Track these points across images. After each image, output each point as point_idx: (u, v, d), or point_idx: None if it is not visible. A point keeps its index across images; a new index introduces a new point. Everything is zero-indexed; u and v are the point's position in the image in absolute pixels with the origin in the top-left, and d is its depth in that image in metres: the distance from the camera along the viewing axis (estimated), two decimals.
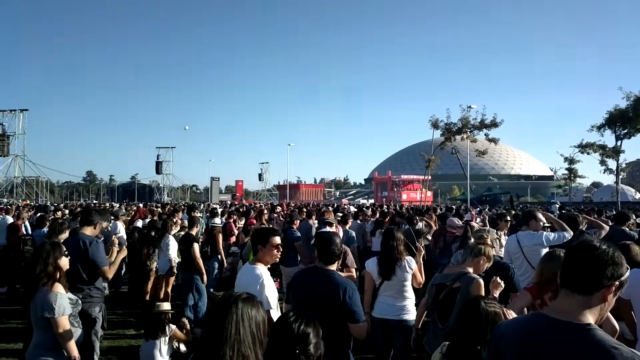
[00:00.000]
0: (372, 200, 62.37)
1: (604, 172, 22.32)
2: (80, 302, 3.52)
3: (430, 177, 40.80)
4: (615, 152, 21.07)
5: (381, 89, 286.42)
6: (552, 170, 63.53)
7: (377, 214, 12.36)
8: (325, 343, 1.93)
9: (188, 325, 5.10)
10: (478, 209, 20.29)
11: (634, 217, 10.00)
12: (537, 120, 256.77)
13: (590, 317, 1.52)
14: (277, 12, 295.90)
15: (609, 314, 2.98)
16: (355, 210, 14.53)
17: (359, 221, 10.75)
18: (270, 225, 8.82)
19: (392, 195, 65.02)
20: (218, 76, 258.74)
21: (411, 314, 4.21)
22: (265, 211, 11.84)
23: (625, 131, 20.62)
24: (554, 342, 1.51)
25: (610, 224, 7.19)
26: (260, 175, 73.38)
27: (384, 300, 4.26)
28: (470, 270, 3.60)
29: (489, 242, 4.31)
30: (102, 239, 6.00)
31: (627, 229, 6.66)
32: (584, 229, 6.57)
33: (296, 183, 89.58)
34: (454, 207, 21.72)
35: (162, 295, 7.17)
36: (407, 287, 4.30)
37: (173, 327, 4.75)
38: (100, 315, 4.46)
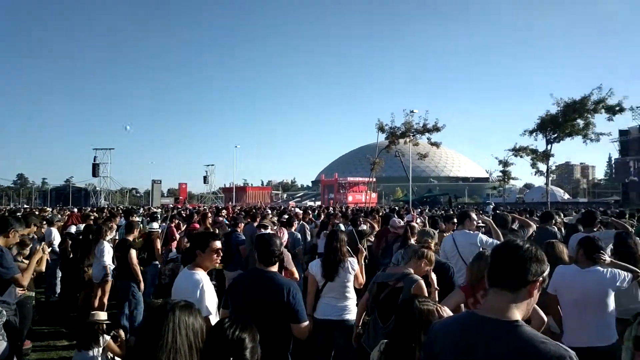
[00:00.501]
0: (319, 203, 62.78)
1: (535, 174, 23.95)
2: (4, 313, 3.28)
3: (375, 179, 41.67)
4: (546, 155, 22.63)
5: (328, 92, 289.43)
6: (487, 172, 66.98)
7: (322, 216, 12.46)
8: (264, 347, 1.91)
9: (123, 336, 4.89)
10: (419, 209, 20.97)
11: (560, 216, 10.76)
12: (475, 125, 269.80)
13: (517, 314, 1.59)
14: (218, 7, 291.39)
15: (537, 307, 3.19)
16: (301, 212, 14.57)
17: (305, 223, 10.79)
18: (217, 229, 8.64)
19: (339, 197, 65.70)
20: (160, 76, 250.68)
21: (352, 314, 4.27)
22: (210, 215, 11.58)
23: (555, 135, 22.13)
24: (485, 339, 1.57)
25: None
26: (205, 178, 71.56)
27: (326, 301, 4.29)
28: (412, 271, 3.71)
29: (432, 247, 4.46)
30: (30, 245, 5.64)
31: (551, 228, 7.12)
32: (515, 227, 6.98)
33: (243, 186, 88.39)
34: (396, 207, 22.32)
35: (96, 304, 6.83)
36: (349, 287, 4.37)
37: (107, 337, 4.53)
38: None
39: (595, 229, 6.10)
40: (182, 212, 17.49)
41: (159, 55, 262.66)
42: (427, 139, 26.34)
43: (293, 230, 8.69)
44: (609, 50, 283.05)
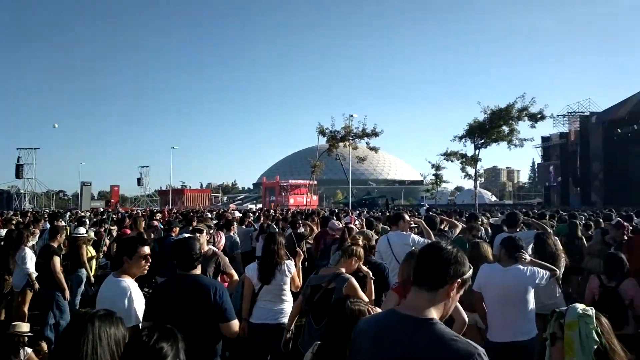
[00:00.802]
0: (260, 205, 62.17)
1: (464, 178, 25.32)
2: None
3: (316, 182, 41.87)
4: (474, 160, 24.03)
5: (270, 94, 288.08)
6: (422, 175, 69.74)
7: (262, 219, 12.36)
8: (191, 351, 1.87)
9: (46, 348, 4.58)
10: (357, 211, 21.41)
11: (487, 217, 11.43)
12: (412, 130, 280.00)
13: (434, 313, 1.65)
14: (151, 7, 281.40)
15: (460, 307, 3.36)
16: (241, 215, 14.37)
17: (244, 226, 10.66)
18: (151, 234, 8.30)
19: (280, 199, 65.48)
20: (90, 73, 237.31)
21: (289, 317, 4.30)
22: (143, 218, 11.11)
23: (483, 141, 23.54)
24: (400, 336, 1.63)
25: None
26: (139, 180, 68.34)
27: (262, 305, 4.26)
28: (344, 270, 3.78)
29: (360, 243, 4.58)
30: None
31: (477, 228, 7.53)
32: (446, 228, 7.31)
33: (180, 188, 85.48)
34: (336, 210, 22.66)
35: (18, 314, 6.36)
36: (286, 291, 4.37)
37: (29, 350, 4.22)
38: None
39: (517, 229, 6.50)
40: (114, 216, 16.65)
41: (90, 51, 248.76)
42: (366, 143, 27.07)
43: (231, 234, 8.56)
44: (532, 60, 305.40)
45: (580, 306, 2.35)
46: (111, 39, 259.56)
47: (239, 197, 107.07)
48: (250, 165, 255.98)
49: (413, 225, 6.71)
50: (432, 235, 5.86)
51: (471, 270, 1.74)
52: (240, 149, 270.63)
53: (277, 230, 8.93)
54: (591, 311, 2.29)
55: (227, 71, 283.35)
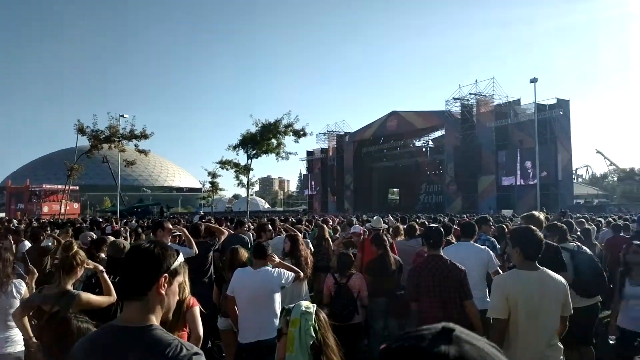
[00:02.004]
0: (2, 214, 51.02)
1: (238, 186, 26.15)
2: None
3: (77, 188, 37.03)
4: (247, 169, 25.11)
5: (22, 86, 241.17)
6: (200, 183, 69.06)
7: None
8: None
9: None
10: (124, 220, 19.82)
11: (248, 224, 12.03)
12: (193, 137, 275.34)
13: (152, 318, 1.59)
14: None
15: (199, 321, 3.39)
16: None
17: None
18: None
19: (31, 207, 55.17)
20: None
21: (16, 345, 3.67)
22: None
23: (255, 152, 24.82)
24: (115, 349, 1.55)
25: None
26: None
27: None
28: (70, 287, 3.45)
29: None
30: None
31: (243, 235, 7.85)
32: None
33: None
34: (100, 219, 20.38)
35: None
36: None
37: None
38: None
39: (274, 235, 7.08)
40: None
41: None
42: (135, 145, 25.28)
43: None
44: (299, 82, 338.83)
45: (304, 304, 2.62)
46: None
47: None
48: None
49: (177, 233, 6.57)
50: (194, 244, 5.83)
51: (178, 258, 1.67)
52: None
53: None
54: (312, 308, 2.57)
55: None
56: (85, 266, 3.58)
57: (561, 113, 36.52)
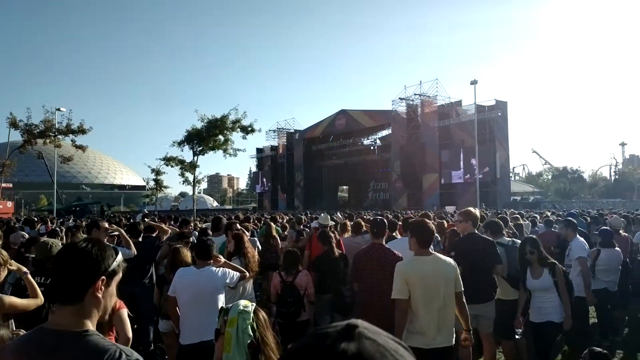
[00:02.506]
0: None
1: (184, 184, 25.31)
2: None
3: (11, 185, 34.74)
4: (192, 166, 24.37)
5: None
6: (145, 180, 66.52)
7: None
8: None
9: None
10: (61, 219, 18.75)
11: (195, 223, 11.76)
12: (135, 133, 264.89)
13: (88, 323, 1.51)
14: None
15: (126, 325, 3.27)
16: None
17: None
18: None
19: None
20: None
21: None
22: None
23: (201, 148, 24.16)
24: (46, 355, 1.45)
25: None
26: None
27: None
28: None
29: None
30: None
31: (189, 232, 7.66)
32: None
33: None
34: (35, 218, 19.19)
35: None
36: None
37: None
38: None
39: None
40: None
41: None
42: (72, 141, 23.94)
43: None
44: (247, 77, 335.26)
45: (242, 303, 2.57)
46: None
47: None
48: None
49: (114, 233, 6.31)
50: (132, 244, 5.62)
51: (117, 258, 1.59)
52: None
53: None
54: (250, 307, 2.53)
55: None
56: (9, 267, 3.33)
57: (500, 114, 38.45)
